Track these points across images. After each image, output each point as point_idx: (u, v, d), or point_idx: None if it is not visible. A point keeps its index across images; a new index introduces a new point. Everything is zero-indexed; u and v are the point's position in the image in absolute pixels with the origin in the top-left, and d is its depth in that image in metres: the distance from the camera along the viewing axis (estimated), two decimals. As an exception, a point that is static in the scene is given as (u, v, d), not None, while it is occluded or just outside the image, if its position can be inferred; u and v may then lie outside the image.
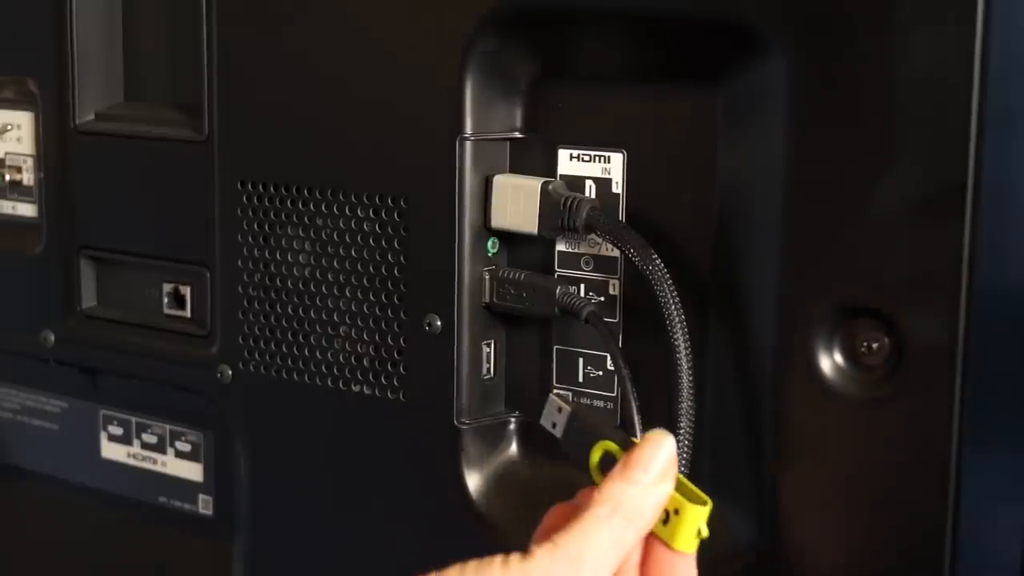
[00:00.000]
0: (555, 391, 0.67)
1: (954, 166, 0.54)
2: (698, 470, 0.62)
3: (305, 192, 0.72)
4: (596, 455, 0.57)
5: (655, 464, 0.54)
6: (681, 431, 0.60)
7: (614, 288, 0.66)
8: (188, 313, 0.79)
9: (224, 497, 0.79)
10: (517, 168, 0.68)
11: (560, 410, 0.59)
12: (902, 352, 0.57)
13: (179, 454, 0.81)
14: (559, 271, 0.67)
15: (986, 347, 0.55)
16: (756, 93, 0.60)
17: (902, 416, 0.57)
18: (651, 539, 0.55)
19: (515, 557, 0.53)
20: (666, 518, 0.54)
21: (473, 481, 0.69)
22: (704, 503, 0.54)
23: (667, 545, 0.54)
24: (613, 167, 0.65)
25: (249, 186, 0.74)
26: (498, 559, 0.53)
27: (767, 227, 0.60)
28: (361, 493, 0.73)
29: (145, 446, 0.83)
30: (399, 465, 0.71)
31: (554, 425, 0.59)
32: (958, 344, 0.55)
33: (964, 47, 0.53)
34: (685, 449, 0.60)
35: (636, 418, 0.62)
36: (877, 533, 0.58)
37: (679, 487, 0.55)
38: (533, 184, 0.65)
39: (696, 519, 0.54)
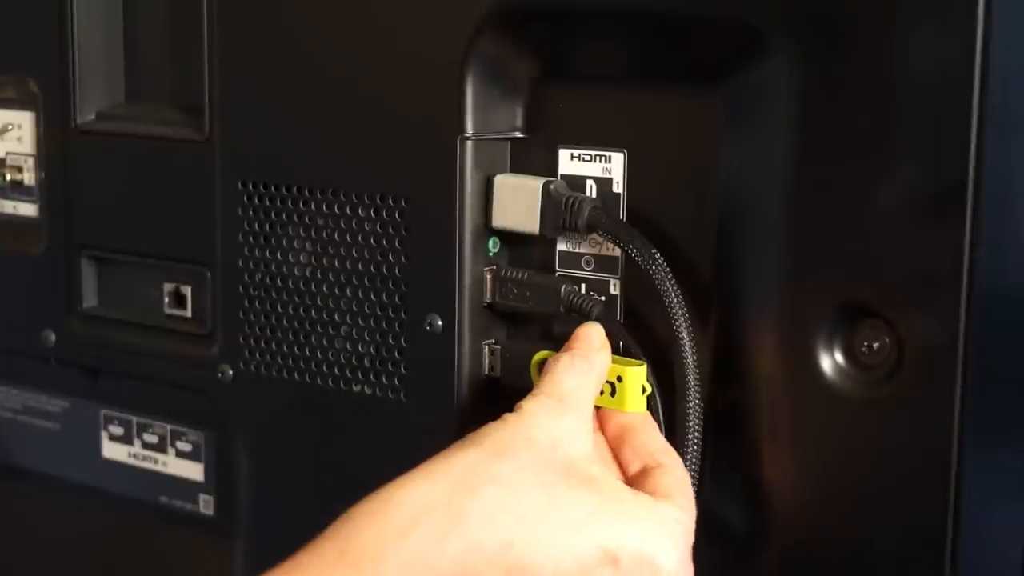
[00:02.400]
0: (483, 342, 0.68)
1: (954, 166, 0.54)
2: (700, 469, 0.62)
3: (306, 192, 0.72)
4: (536, 364, 0.64)
5: (595, 338, 0.62)
6: (689, 428, 0.60)
7: (615, 288, 0.66)
8: (189, 313, 0.79)
9: (225, 497, 0.79)
10: (518, 168, 0.68)
11: (492, 352, 0.67)
12: (902, 352, 0.57)
13: (180, 454, 0.81)
14: (560, 271, 0.67)
15: (986, 347, 0.55)
16: (757, 93, 0.60)
17: (902, 416, 0.57)
18: (608, 418, 0.61)
19: (506, 415, 0.58)
20: (612, 391, 0.61)
21: (474, 481, 0.69)
22: (640, 365, 0.62)
23: (620, 411, 0.61)
24: (614, 167, 0.65)
25: (250, 186, 0.74)
26: (491, 424, 0.58)
27: (768, 227, 0.60)
28: (362, 493, 0.72)
29: (146, 446, 0.83)
30: (400, 465, 0.71)
31: (492, 368, 0.67)
32: (958, 344, 0.55)
33: (965, 47, 0.53)
34: (694, 446, 0.60)
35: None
36: (877, 533, 0.58)
37: (612, 360, 0.62)
38: (534, 184, 0.65)
39: (638, 378, 0.61)
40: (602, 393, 0.61)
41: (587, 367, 0.60)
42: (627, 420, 0.61)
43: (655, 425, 0.61)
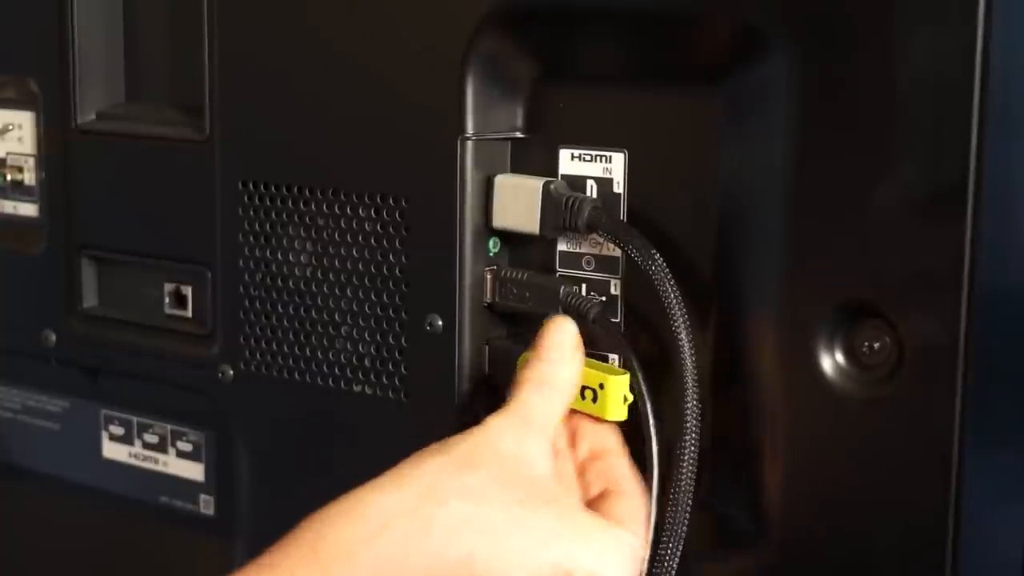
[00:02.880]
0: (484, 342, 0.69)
1: (955, 166, 0.54)
2: (699, 469, 0.62)
3: (306, 192, 0.72)
4: (520, 364, 0.63)
5: (564, 342, 0.61)
6: (687, 429, 0.60)
7: (615, 288, 0.66)
8: (189, 313, 0.79)
9: (225, 497, 0.79)
10: (518, 168, 0.68)
11: (488, 345, 0.68)
12: (903, 352, 0.57)
13: (180, 454, 0.81)
14: (560, 271, 0.67)
15: (987, 347, 0.55)
16: (757, 93, 0.60)
17: (902, 416, 0.57)
18: (580, 420, 0.62)
19: (472, 429, 0.59)
20: (594, 397, 0.62)
21: (474, 481, 0.69)
22: (624, 374, 0.61)
23: (600, 419, 0.62)
24: (614, 167, 0.65)
25: (250, 186, 0.74)
26: (457, 436, 0.59)
27: (768, 227, 0.60)
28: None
29: (146, 446, 0.83)
30: (400, 465, 0.71)
31: (491, 368, 0.67)
32: (959, 344, 0.55)
33: (965, 47, 0.53)
34: (692, 448, 0.60)
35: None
36: (878, 533, 0.58)
37: (595, 366, 0.62)
38: (534, 184, 0.65)
39: (621, 388, 0.61)
40: (584, 398, 0.62)
41: (553, 393, 0.61)
42: (601, 443, 0.62)
43: (626, 450, 0.62)
